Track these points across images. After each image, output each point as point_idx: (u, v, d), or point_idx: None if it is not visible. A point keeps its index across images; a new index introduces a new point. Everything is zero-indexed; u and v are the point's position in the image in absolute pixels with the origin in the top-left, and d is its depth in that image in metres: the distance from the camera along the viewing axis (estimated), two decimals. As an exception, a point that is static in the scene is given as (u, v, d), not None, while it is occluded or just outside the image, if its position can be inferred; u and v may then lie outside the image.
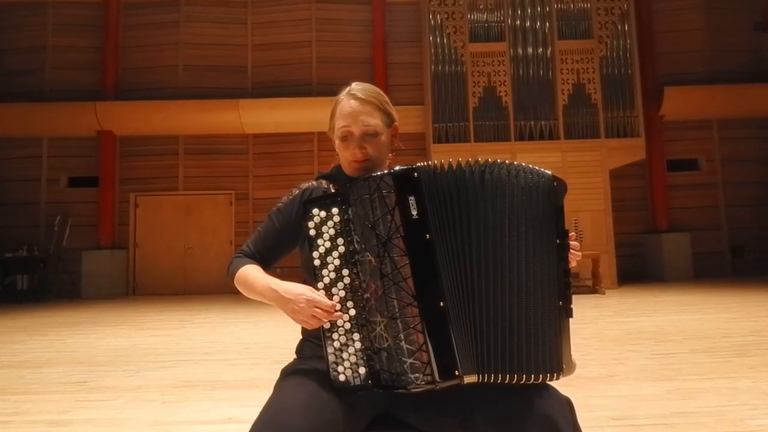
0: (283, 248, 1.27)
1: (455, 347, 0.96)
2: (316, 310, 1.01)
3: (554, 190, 1.08)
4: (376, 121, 1.22)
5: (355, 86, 1.25)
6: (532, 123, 8.52)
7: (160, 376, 3.23)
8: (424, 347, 0.95)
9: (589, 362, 3.25)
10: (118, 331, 5.16)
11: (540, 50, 8.70)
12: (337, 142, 1.25)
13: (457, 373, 0.95)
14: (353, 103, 1.22)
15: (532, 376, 0.98)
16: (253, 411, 1.04)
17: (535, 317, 1.00)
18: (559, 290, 1.03)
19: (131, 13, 9.89)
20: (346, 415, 0.99)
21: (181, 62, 9.88)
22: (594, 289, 7.54)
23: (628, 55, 8.66)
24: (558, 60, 8.66)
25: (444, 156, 8.18)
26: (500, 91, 8.65)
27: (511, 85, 8.62)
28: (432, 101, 8.61)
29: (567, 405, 1.00)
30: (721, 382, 2.69)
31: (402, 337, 0.96)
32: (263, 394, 1.22)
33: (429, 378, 0.94)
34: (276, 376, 1.18)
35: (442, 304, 0.97)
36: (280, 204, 1.28)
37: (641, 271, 9.37)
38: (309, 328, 1.05)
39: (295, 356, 1.24)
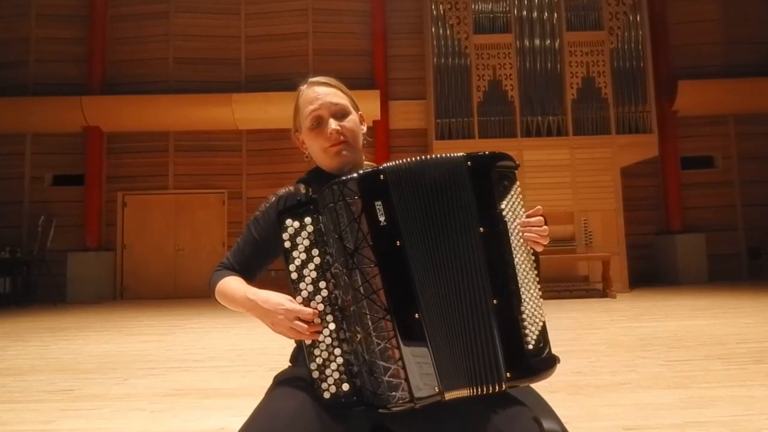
0: (263, 259, 1.27)
1: (434, 362, 0.95)
2: (296, 322, 1.00)
3: (466, 170, 1.02)
4: (344, 101, 1.23)
5: (313, 77, 1.27)
6: (539, 118, 8.52)
7: (149, 383, 3.23)
8: (399, 363, 0.93)
9: (599, 369, 3.25)
10: (105, 336, 5.16)
11: (548, 42, 8.70)
12: (307, 135, 1.24)
13: (437, 389, 0.94)
14: (316, 88, 1.24)
15: (476, 388, 0.96)
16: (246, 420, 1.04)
17: (479, 320, 0.98)
18: (493, 286, 0.99)
19: (119, 3, 9.89)
20: (338, 426, 0.99)
21: (171, 55, 9.88)
22: (604, 293, 7.54)
23: (640, 47, 8.66)
24: (566, 52, 8.66)
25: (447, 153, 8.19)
26: (506, 85, 8.65)
27: (517, 79, 8.62)
28: (434, 96, 8.61)
29: (535, 424, 0.95)
30: (737, 390, 2.69)
31: (378, 353, 0.94)
32: (257, 403, 1.22)
33: (406, 396, 0.93)
34: (270, 383, 1.18)
35: (417, 315, 0.95)
36: (258, 213, 1.28)
37: (654, 274, 9.38)
38: (290, 338, 1.05)
39: (289, 363, 1.24)
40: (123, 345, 4.64)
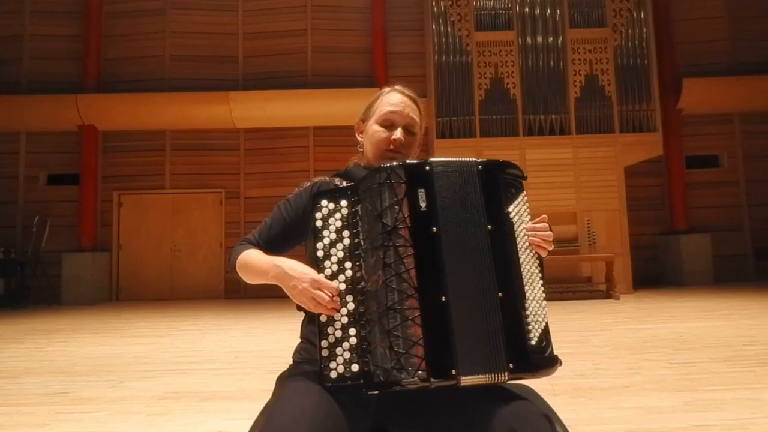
0: (289, 240, 1.31)
1: (454, 345, 0.97)
2: (318, 292, 1.03)
3: (476, 172, 1.11)
4: (417, 120, 1.34)
5: (402, 86, 1.38)
6: (541, 117, 8.52)
7: (146, 386, 3.23)
8: (421, 341, 0.97)
9: (602, 372, 3.25)
10: (100, 338, 5.16)
11: (550, 39, 8.70)
12: (371, 126, 1.33)
13: (453, 372, 0.96)
14: (403, 97, 1.34)
15: (485, 376, 0.99)
16: (244, 424, 1.04)
17: (488, 310, 1.03)
18: (498, 281, 1.05)
19: (114, -1, 9.90)
20: (348, 426, 1.00)
21: (167, 52, 9.88)
22: (608, 294, 7.54)
23: (644, 44, 8.67)
24: (569, 50, 8.66)
25: (448, 152, 8.19)
26: (508, 83, 8.65)
27: (519, 77, 8.63)
28: (435, 94, 8.61)
29: (545, 419, 0.97)
30: (743, 393, 2.69)
31: (399, 329, 0.98)
32: (255, 406, 1.22)
33: (423, 374, 0.95)
34: (269, 386, 1.18)
35: (444, 299, 1.00)
36: (290, 195, 1.34)
37: (658, 275, 9.38)
38: (309, 310, 1.07)
39: (291, 362, 1.25)
40: (119, 347, 4.64)
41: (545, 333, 1.07)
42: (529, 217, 1.17)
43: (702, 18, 9.80)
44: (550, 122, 8.53)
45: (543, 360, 1.04)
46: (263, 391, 2.91)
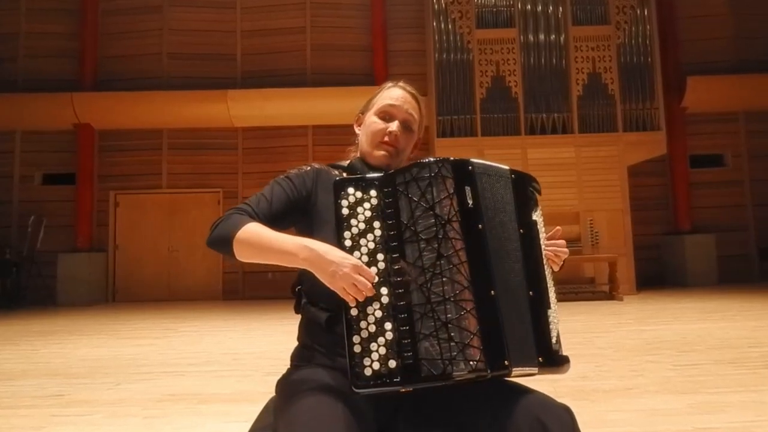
0: (286, 220, 1.24)
1: (505, 337, 1.02)
2: (360, 277, 1.00)
3: (510, 180, 1.19)
4: (416, 118, 1.35)
5: (405, 83, 1.38)
6: (543, 115, 8.52)
7: (143, 388, 3.23)
8: (478, 333, 0.99)
9: (605, 374, 3.25)
10: (96, 340, 5.16)
11: (552, 37, 8.70)
12: (368, 117, 1.33)
13: (506, 363, 1.00)
14: (404, 93, 1.34)
15: (524, 368, 1.05)
16: (243, 426, 1.04)
17: (522, 306, 1.11)
18: (528, 280, 1.14)
19: (111, -4, 9.89)
20: (362, 427, 1.00)
21: (165, 50, 9.88)
22: (611, 295, 7.54)
23: (647, 42, 8.66)
24: (572, 47, 8.66)
25: (449, 152, 8.19)
26: (509, 81, 8.65)
27: (521, 75, 8.62)
28: (436, 92, 8.61)
29: (565, 411, 1.00)
30: (748, 396, 2.69)
31: (455, 321, 0.99)
32: (254, 408, 1.22)
33: (481, 365, 0.97)
34: (268, 388, 1.17)
35: (493, 292, 1.04)
36: (290, 173, 1.29)
37: (662, 276, 9.38)
38: (346, 296, 1.01)
39: (289, 366, 1.24)
40: (115, 349, 4.64)
41: (558, 336, 1.16)
42: (544, 229, 1.26)
43: (706, 15, 9.80)
44: (552, 121, 8.53)
45: (562, 358, 1.13)
46: (262, 393, 2.91)
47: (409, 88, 1.36)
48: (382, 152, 1.29)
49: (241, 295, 9.22)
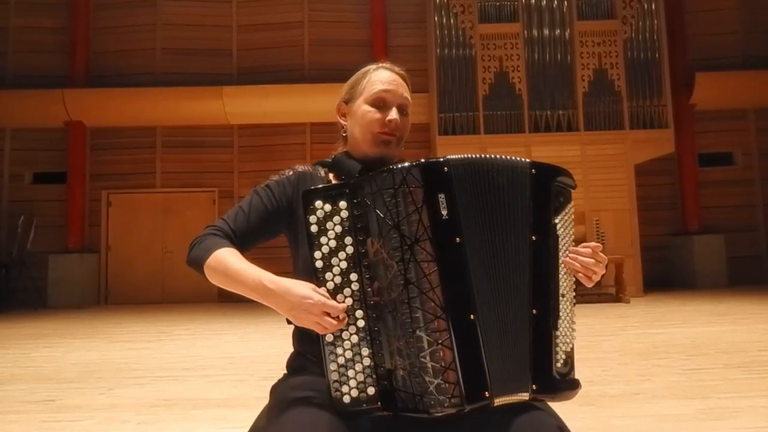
0: (267, 232, 1.24)
1: (486, 365, 0.95)
2: (326, 318, 0.96)
3: (528, 176, 1.07)
4: (410, 100, 1.26)
5: (390, 63, 1.29)
6: (548, 113, 8.52)
7: (136, 393, 3.22)
8: (452, 366, 0.93)
9: (611, 378, 3.25)
10: (88, 343, 5.15)
11: (557, 32, 8.70)
12: (359, 107, 1.24)
13: (487, 394, 0.94)
14: (393, 74, 1.26)
15: (511, 396, 0.98)
16: (238, 433, 1.03)
17: (518, 327, 1.02)
18: (534, 296, 1.03)
19: (103, -10, 9.89)
20: None
21: (158, 45, 9.88)
22: (617, 298, 7.55)
23: (655, 37, 8.66)
24: (577, 43, 8.66)
25: (450, 150, 8.19)
26: (513, 78, 8.65)
27: (525, 71, 8.62)
28: (437, 89, 8.61)
29: (558, 430, 0.98)
30: (758, 401, 2.69)
31: (427, 354, 0.94)
32: (250, 414, 1.22)
33: (456, 401, 0.92)
34: (264, 393, 1.17)
35: (472, 316, 0.96)
36: (270, 182, 1.27)
37: (670, 277, 9.37)
38: (318, 331, 1.00)
39: (285, 371, 1.23)
40: (107, 352, 4.64)
41: (570, 355, 1.07)
42: (573, 230, 1.13)
43: (715, 10, 9.79)
44: (557, 118, 8.53)
45: (564, 383, 1.04)
46: (258, 398, 2.91)
47: (397, 68, 1.27)
48: (382, 145, 1.21)
49: (237, 297, 9.19)
